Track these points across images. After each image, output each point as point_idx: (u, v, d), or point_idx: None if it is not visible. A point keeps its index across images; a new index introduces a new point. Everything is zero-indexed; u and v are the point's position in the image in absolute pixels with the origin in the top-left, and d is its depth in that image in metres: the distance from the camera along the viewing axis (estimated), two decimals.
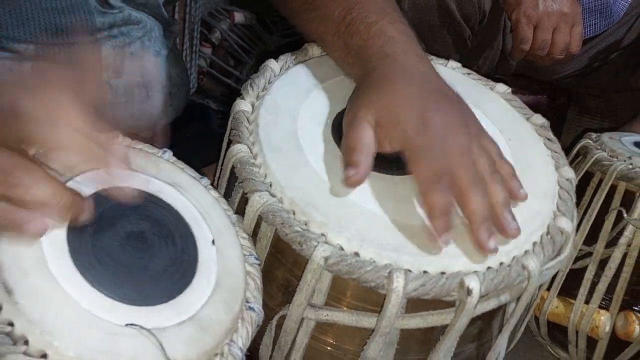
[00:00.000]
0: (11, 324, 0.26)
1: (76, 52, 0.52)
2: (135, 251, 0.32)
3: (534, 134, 0.50)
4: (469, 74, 0.55)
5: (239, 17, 1.44)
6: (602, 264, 0.61)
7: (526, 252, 0.39)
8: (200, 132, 0.77)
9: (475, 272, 0.37)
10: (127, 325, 0.28)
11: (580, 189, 0.65)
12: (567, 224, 0.42)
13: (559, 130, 1.25)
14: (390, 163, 0.41)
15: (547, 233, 0.41)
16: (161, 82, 0.62)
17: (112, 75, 0.57)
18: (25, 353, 0.25)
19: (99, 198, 0.31)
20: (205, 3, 1.50)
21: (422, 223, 0.39)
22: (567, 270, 0.62)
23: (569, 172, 0.46)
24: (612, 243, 0.60)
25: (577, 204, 0.64)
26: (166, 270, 0.32)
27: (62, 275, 0.28)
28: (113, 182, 0.31)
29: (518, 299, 0.40)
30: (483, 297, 0.37)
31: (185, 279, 0.33)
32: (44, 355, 0.26)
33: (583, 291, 0.61)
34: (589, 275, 0.61)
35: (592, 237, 0.61)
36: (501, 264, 0.38)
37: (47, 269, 0.28)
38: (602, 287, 0.60)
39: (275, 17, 1.56)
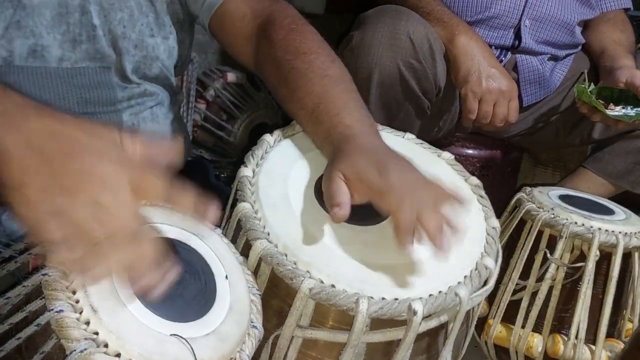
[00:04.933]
0: (96, 333, 0.37)
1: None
2: (173, 284, 0.44)
3: (469, 192, 0.64)
4: (421, 143, 0.70)
5: (231, 76, 1.60)
6: (534, 295, 0.74)
7: (459, 283, 0.52)
8: (200, 186, 0.89)
9: (420, 298, 0.50)
10: (171, 335, 0.40)
11: (517, 234, 0.79)
12: (490, 263, 0.55)
13: (514, 181, 1.40)
14: (359, 216, 0.55)
15: (476, 269, 0.55)
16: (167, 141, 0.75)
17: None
18: (105, 353, 0.37)
19: None
20: (201, 63, 1.66)
21: (382, 261, 0.52)
22: (508, 301, 0.76)
23: (495, 223, 0.60)
24: (541, 278, 0.74)
25: (515, 246, 0.79)
26: (195, 297, 0.44)
27: (127, 300, 0.40)
28: (157, 233, 0.44)
29: (455, 319, 0.53)
30: (426, 317, 0.50)
31: (208, 304, 0.45)
32: (118, 355, 0.37)
33: (520, 318, 0.74)
34: (523, 305, 0.74)
35: (525, 274, 0.75)
36: (440, 292, 0.51)
37: (118, 297, 0.39)
38: (534, 314, 0.73)
39: None
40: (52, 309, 0.37)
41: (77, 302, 0.38)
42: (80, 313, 0.38)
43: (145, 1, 0.68)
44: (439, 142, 1.19)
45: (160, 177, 0.41)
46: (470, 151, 1.25)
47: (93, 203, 0.38)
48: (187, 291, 0.44)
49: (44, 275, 0.38)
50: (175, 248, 0.46)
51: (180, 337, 0.40)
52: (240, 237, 0.55)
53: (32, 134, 0.39)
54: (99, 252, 0.37)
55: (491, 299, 0.79)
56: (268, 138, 0.63)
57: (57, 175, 0.38)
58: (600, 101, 0.99)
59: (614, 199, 0.96)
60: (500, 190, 1.29)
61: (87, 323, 0.37)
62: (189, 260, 0.46)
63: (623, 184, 1.16)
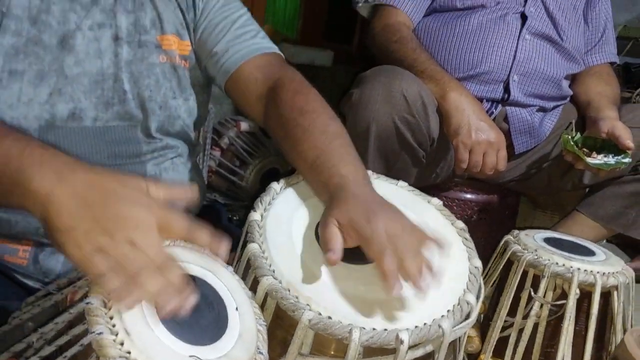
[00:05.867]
0: (129, 352, 0.45)
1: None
2: (192, 313, 0.51)
3: (455, 235, 0.71)
4: (412, 190, 0.78)
5: (244, 125, 1.71)
6: (521, 331, 0.80)
7: (442, 316, 0.59)
8: (214, 228, 0.97)
9: (407, 329, 0.56)
10: (190, 356, 0.47)
11: (505, 274, 0.85)
12: (472, 298, 0.62)
13: (512, 224, 1.45)
14: (353, 256, 0.62)
15: (458, 304, 0.61)
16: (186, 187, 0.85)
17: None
18: None
19: None
20: (216, 113, 1.78)
21: (373, 296, 0.59)
22: (497, 337, 0.81)
23: (477, 263, 0.67)
24: (526, 316, 0.79)
25: (504, 285, 0.85)
26: (209, 325, 0.52)
27: (154, 325, 0.47)
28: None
29: (440, 349, 0.60)
30: (412, 346, 0.56)
31: (221, 331, 0.52)
32: None
33: (508, 353, 0.79)
34: (511, 340, 0.79)
35: (513, 311, 0.81)
36: (425, 324, 0.58)
37: (147, 323, 0.47)
38: (521, 349, 0.78)
39: None
40: (94, 332, 0.45)
41: (114, 326, 0.46)
42: (116, 335, 0.45)
43: (170, 68, 0.79)
44: (437, 188, 1.27)
45: (181, 217, 0.51)
46: (468, 196, 1.32)
47: (128, 241, 0.47)
48: (203, 319, 0.51)
49: (87, 303, 0.46)
50: (194, 282, 0.54)
51: (199, 358, 0.48)
52: (249, 274, 0.62)
53: (77, 186, 0.50)
54: (133, 283, 0.45)
55: (484, 336, 0.84)
56: (275, 186, 0.71)
57: (98, 219, 0.48)
58: (585, 150, 1.06)
59: (611, 242, 1.01)
60: (498, 233, 1.34)
61: (122, 344, 0.45)
62: (205, 293, 0.54)
63: (614, 226, 1.22)
